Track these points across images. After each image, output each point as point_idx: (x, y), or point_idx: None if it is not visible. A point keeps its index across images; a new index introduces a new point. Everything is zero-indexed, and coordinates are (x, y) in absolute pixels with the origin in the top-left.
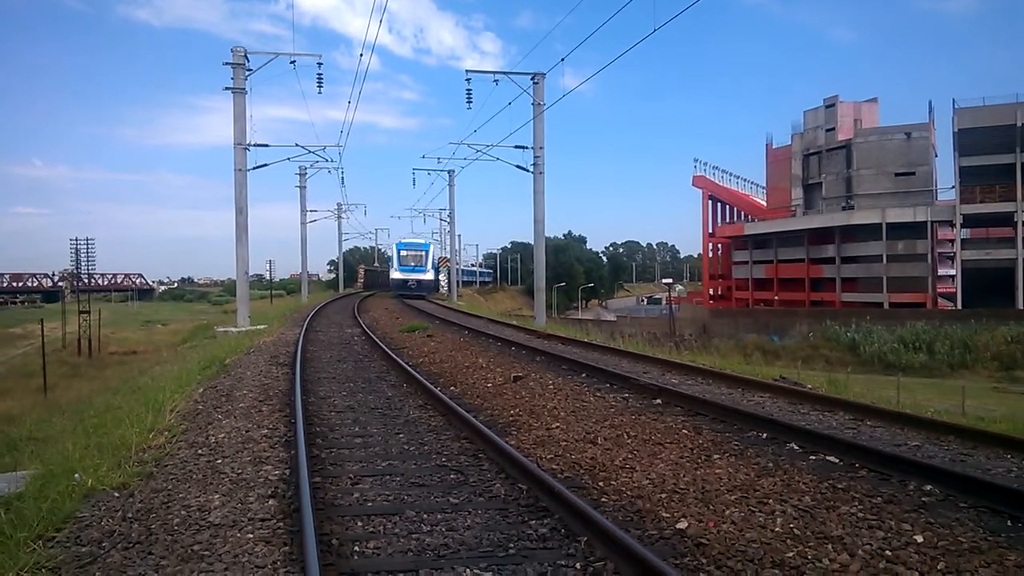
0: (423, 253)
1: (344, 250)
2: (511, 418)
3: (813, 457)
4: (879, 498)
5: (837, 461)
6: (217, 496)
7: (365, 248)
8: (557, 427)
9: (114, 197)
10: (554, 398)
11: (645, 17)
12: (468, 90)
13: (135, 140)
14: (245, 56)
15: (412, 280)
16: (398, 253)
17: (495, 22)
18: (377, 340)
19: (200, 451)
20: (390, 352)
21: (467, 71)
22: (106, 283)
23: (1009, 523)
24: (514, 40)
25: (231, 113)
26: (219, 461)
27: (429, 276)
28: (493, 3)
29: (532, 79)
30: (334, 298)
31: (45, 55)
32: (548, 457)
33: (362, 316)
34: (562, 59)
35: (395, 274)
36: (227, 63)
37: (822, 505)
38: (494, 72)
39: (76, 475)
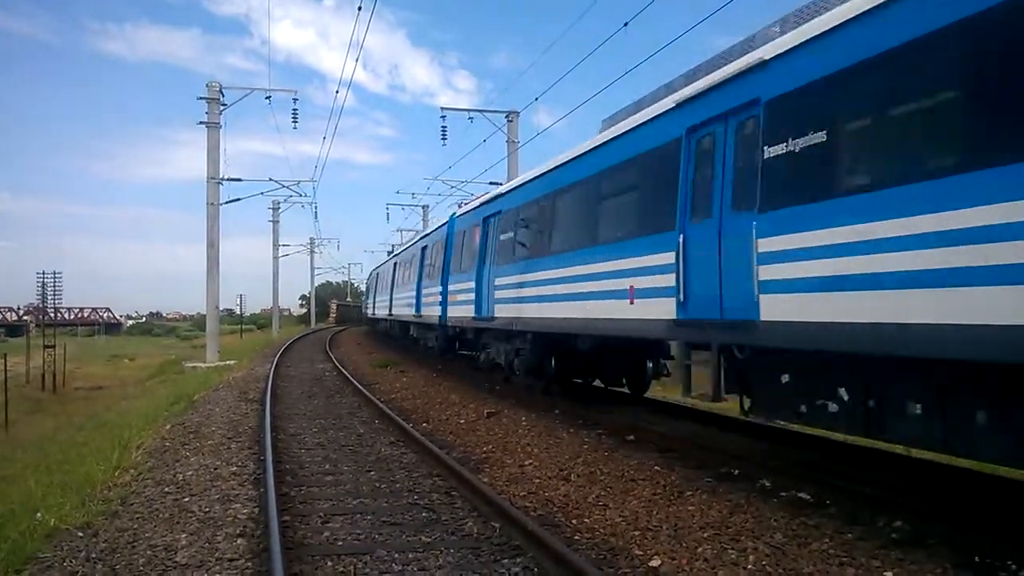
0: None
1: (316, 284)
2: (484, 455)
3: (784, 494)
4: (850, 534)
5: (808, 498)
6: (184, 535)
7: (337, 282)
8: (530, 464)
9: (83, 231)
10: (528, 435)
11: (618, 55)
12: (443, 127)
13: (105, 174)
14: (220, 91)
15: None
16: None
17: (470, 59)
18: (349, 376)
19: (167, 489)
20: (362, 388)
21: (442, 108)
22: (72, 317)
23: (976, 559)
24: (488, 77)
25: (204, 147)
26: (186, 499)
27: None
28: (467, 42)
29: (507, 117)
30: (305, 333)
31: (13, 87)
32: (521, 494)
33: (334, 351)
34: (536, 98)
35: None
36: (202, 98)
37: (794, 542)
38: (469, 110)
39: (38, 514)
